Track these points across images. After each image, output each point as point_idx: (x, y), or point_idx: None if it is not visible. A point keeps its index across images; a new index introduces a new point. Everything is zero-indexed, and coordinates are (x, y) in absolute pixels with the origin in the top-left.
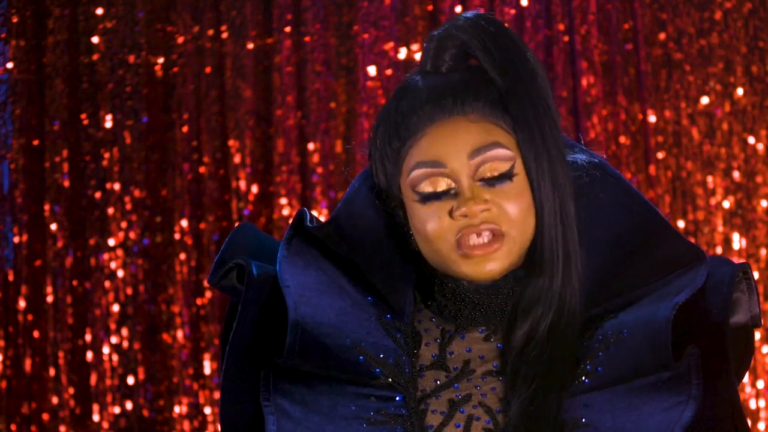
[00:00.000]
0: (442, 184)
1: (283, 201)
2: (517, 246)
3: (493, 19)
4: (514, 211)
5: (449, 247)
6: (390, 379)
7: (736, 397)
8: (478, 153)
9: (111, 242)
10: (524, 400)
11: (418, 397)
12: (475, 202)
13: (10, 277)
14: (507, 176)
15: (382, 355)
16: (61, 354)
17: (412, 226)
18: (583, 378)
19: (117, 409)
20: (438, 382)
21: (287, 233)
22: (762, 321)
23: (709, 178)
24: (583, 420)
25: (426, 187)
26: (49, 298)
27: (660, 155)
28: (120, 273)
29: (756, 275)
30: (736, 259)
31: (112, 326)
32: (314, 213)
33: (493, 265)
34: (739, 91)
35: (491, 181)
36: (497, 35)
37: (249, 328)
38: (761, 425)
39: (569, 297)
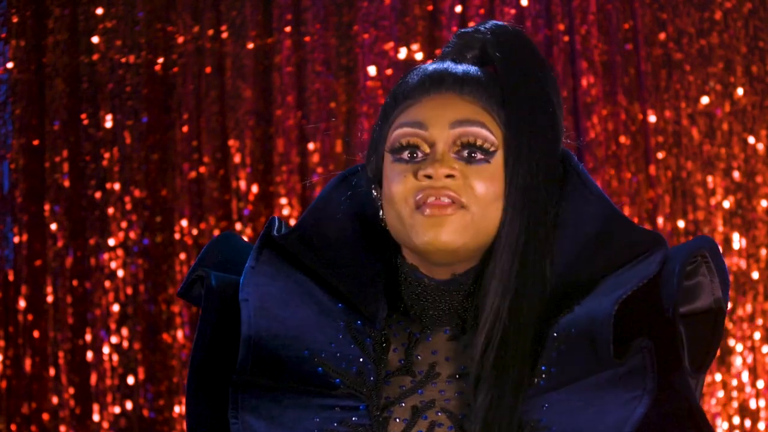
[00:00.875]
0: (417, 146)
1: (283, 201)
2: (474, 224)
3: (523, 33)
4: (480, 189)
5: (408, 210)
6: (350, 390)
7: (690, 389)
8: (461, 125)
9: (111, 242)
10: (482, 405)
11: (382, 405)
12: (441, 165)
13: (10, 277)
14: (484, 158)
15: (344, 365)
16: (61, 354)
17: (383, 195)
18: (539, 379)
19: (117, 409)
20: (403, 389)
21: (258, 242)
22: (761, 319)
23: (709, 178)
24: (542, 422)
25: (401, 146)
26: (49, 298)
27: (660, 155)
28: (120, 273)
29: (756, 275)
30: (735, 258)
31: (113, 326)
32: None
33: (447, 234)
34: (739, 91)
35: (467, 158)
36: (516, 41)
37: (207, 340)
38: (761, 425)
39: (524, 299)
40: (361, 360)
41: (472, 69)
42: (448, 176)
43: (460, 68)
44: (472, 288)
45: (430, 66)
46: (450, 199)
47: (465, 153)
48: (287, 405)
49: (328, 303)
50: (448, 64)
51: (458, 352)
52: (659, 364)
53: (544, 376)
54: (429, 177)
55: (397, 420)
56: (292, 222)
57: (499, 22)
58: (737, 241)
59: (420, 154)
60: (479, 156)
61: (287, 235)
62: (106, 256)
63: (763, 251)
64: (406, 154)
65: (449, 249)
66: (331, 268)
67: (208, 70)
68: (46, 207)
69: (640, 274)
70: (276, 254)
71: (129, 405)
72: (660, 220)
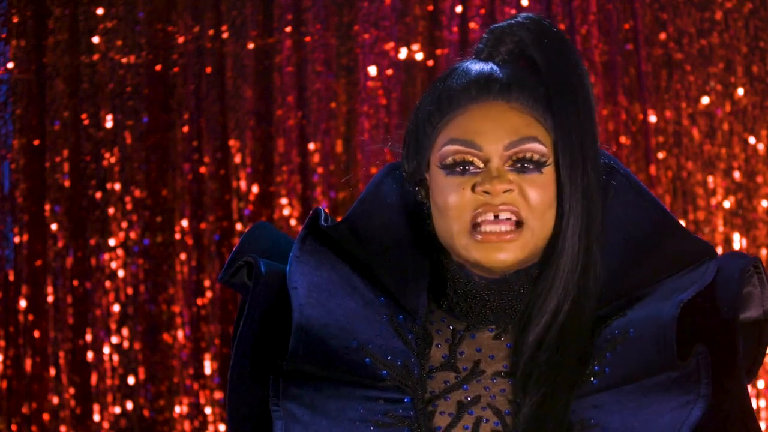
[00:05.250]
0: (471, 162)
1: (284, 201)
2: (534, 239)
3: (554, 26)
4: (536, 199)
5: (462, 227)
6: (396, 382)
7: (745, 394)
8: (515, 145)
9: (111, 242)
10: (534, 402)
11: (426, 399)
12: (499, 181)
13: (11, 277)
14: (536, 168)
15: (389, 357)
16: (61, 354)
17: (432, 202)
18: (592, 379)
19: (117, 409)
20: (447, 384)
21: (302, 232)
22: None
23: (710, 178)
24: (592, 421)
25: (455, 162)
26: (50, 298)
27: (660, 155)
28: (120, 273)
29: None
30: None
31: (113, 326)
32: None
33: (505, 255)
34: (740, 91)
35: (520, 169)
36: (555, 38)
37: (255, 327)
38: (762, 425)
39: (584, 301)
40: (405, 354)
41: (515, 70)
42: (506, 191)
43: (504, 71)
44: (522, 288)
45: (473, 67)
46: (509, 221)
47: (518, 165)
48: (329, 395)
49: (370, 296)
50: (492, 67)
51: (503, 351)
52: (714, 368)
53: (597, 376)
54: (487, 192)
55: (443, 414)
56: (292, 222)
57: (532, 15)
58: (737, 242)
59: (473, 168)
60: (531, 167)
61: (338, 225)
62: (106, 256)
63: (763, 251)
64: (458, 168)
65: (505, 266)
66: (377, 260)
67: (208, 70)
68: (47, 207)
69: (698, 280)
70: (319, 245)
71: (129, 405)
72: None
